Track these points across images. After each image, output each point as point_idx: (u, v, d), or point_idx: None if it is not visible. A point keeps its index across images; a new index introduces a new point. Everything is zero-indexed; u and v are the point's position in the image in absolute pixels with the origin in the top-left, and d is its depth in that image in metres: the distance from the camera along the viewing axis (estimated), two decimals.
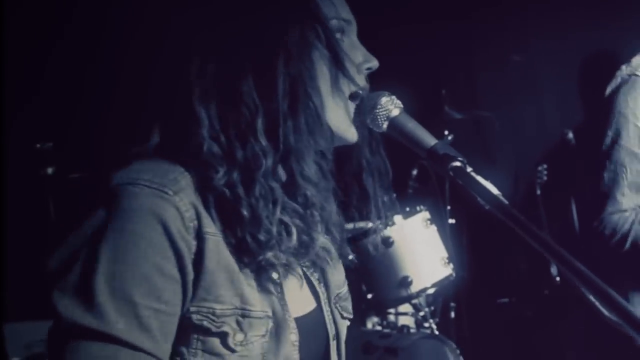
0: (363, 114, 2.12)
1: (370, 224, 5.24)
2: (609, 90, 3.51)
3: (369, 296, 5.63)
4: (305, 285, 2.20)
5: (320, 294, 2.24)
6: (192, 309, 1.87)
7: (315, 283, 2.23)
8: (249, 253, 1.92)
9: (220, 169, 1.89)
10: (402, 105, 2.11)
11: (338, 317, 2.30)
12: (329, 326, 2.24)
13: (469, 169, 1.91)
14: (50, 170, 5.46)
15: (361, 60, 2.12)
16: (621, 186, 3.41)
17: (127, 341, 1.76)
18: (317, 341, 2.22)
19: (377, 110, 2.09)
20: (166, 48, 1.98)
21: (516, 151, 8.79)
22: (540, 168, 8.05)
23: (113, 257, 1.77)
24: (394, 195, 6.26)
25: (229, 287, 1.90)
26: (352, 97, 2.09)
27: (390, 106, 2.09)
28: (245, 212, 1.89)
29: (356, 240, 5.54)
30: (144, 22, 2.04)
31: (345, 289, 2.38)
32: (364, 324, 5.99)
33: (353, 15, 2.16)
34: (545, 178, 8.05)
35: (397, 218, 5.64)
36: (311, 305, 2.21)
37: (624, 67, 3.54)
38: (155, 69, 2.00)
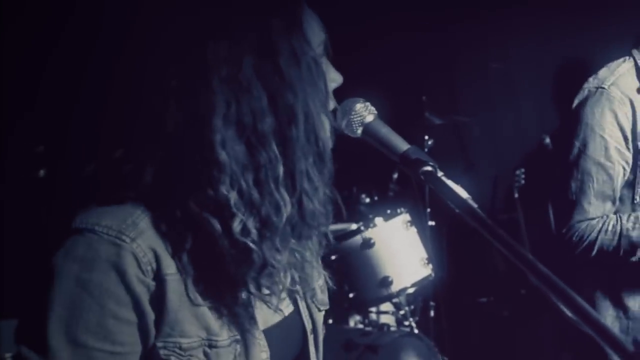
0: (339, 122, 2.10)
1: (352, 226, 5.29)
2: (576, 102, 3.53)
3: (351, 295, 5.64)
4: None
5: (298, 297, 2.24)
6: (159, 344, 1.87)
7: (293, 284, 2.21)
8: (235, 293, 1.94)
9: (239, 216, 1.84)
10: (376, 112, 2.11)
11: (315, 311, 2.31)
12: (306, 323, 2.25)
13: (439, 174, 1.92)
14: (42, 173, 5.48)
15: (334, 77, 2.10)
16: (588, 195, 3.43)
17: None
18: (292, 340, 2.23)
19: (352, 117, 2.09)
20: (188, 95, 1.86)
21: (495, 155, 8.79)
22: (518, 172, 8.04)
23: (68, 304, 1.77)
24: (367, 200, 6.27)
25: (193, 322, 1.90)
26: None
27: (365, 112, 2.09)
28: (256, 258, 1.88)
29: (339, 241, 5.57)
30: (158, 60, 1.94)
31: (321, 282, 2.37)
32: (347, 323, 5.98)
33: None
34: (523, 182, 8.04)
35: (378, 220, 5.67)
36: (288, 308, 2.20)
37: (591, 79, 3.55)
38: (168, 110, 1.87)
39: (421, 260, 5.76)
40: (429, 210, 7.05)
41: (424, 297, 6.81)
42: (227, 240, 1.85)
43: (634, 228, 3.37)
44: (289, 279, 2.01)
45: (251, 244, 1.85)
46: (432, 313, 6.93)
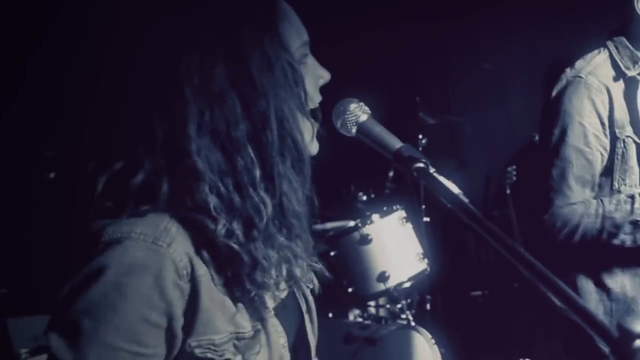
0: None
1: (350, 223, 5.29)
2: (555, 91, 3.54)
3: (350, 290, 5.63)
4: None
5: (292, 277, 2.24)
6: (193, 343, 1.87)
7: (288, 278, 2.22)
8: (245, 291, 1.92)
9: (221, 220, 1.86)
10: (369, 111, 2.12)
11: (306, 290, 2.33)
12: (301, 303, 2.28)
13: (431, 170, 1.92)
14: (52, 176, 5.50)
15: (318, 77, 2.10)
16: (568, 181, 3.43)
17: None
18: (294, 321, 2.25)
19: (347, 116, 2.10)
20: (164, 108, 1.87)
21: (487, 153, 8.82)
22: (509, 169, 8.07)
23: (102, 305, 1.76)
24: (364, 198, 6.26)
25: (222, 318, 1.90)
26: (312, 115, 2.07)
27: (359, 112, 2.10)
28: (246, 258, 1.89)
29: (337, 237, 5.58)
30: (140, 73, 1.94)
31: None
32: (346, 316, 5.98)
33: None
34: (514, 178, 8.07)
35: (375, 217, 5.65)
36: (285, 290, 2.21)
37: (568, 70, 3.56)
38: (154, 126, 1.88)
39: (417, 255, 5.75)
40: (424, 206, 7.05)
41: (420, 291, 6.80)
42: (217, 242, 1.86)
43: (616, 210, 3.37)
44: (284, 273, 2.01)
45: (236, 246, 1.87)
46: (428, 306, 6.94)
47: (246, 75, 1.87)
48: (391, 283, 5.52)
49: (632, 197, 3.40)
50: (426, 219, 7.07)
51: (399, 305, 5.93)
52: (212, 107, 1.85)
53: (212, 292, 1.88)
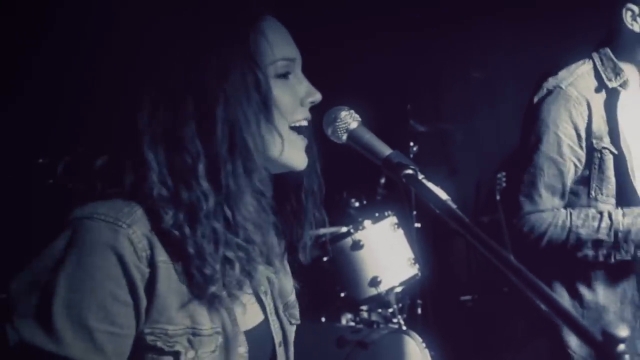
0: (309, 140, 2.16)
1: (342, 228, 5.30)
2: (535, 99, 3.56)
3: (342, 295, 5.64)
4: (253, 299, 2.23)
5: (267, 306, 2.26)
6: (147, 330, 1.90)
7: (263, 296, 2.25)
8: (197, 286, 1.94)
9: (168, 210, 1.91)
10: (360, 119, 2.13)
11: (286, 324, 2.34)
12: (274, 334, 2.27)
13: (420, 176, 1.94)
14: (51, 182, 5.52)
15: (303, 95, 2.12)
16: (538, 188, 3.46)
17: None
18: (265, 349, 2.25)
19: (337, 124, 2.11)
20: (122, 99, 1.99)
21: (477, 160, 8.82)
22: (499, 175, 8.06)
23: (71, 286, 1.80)
24: (357, 204, 6.28)
25: (179, 309, 1.93)
26: (294, 129, 2.11)
27: (349, 119, 2.11)
28: (191, 250, 1.92)
29: (330, 243, 5.58)
30: (104, 69, 2.05)
31: (293, 297, 2.42)
32: (338, 320, 5.98)
33: (299, 51, 2.16)
34: (504, 184, 8.07)
35: (367, 222, 5.68)
36: (259, 317, 2.23)
37: (550, 79, 3.57)
38: (114, 116, 2.01)
39: (408, 260, 5.77)
40: (415, 212, 7.06)
41: (411, 295, 6.81)
42: (168, 231, 1.91)
43: (583, 225, 3.38)
44: (236, 271, 2.00)
45: (181, 235, 1.91)
46: (419, 310, 6.94)
47: (200, 77, 1.95)
48: (383, 288, 5.54)
49: (601, 214, 3.41)
50: (417, 224, 7.08)
51: (390, 310, 5.95)
52: (165, 104, 1.93)
53: (171, 281, 1.92)
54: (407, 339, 5.11)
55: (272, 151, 2.06)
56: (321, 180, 2.31)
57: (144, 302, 1.88)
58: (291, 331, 2.38)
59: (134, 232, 1.86)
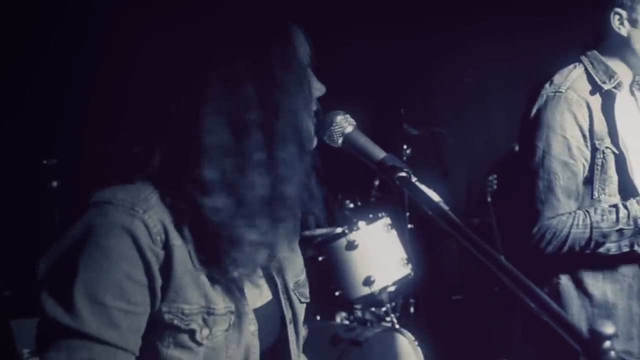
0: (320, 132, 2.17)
1: (337, 229, 5.31)
2: (536, 107, 3.51)
3: (337, 293, 5.65)
4: (264, 279, 2.28)
5: (278, 284, 2.31)
6: (164, 309, 1.96)
7: (275, 274, 2.31)
8: (221, 269, 1.99)
9: (213, 195, 1.94)
10: (355, 123, 2.14)
11: (296, 302, 2.38)
12: (285, 312, 2.32)
13: (413, 179, 1.95)
14: (55, 184, 5.52)
15: (318, 87, 2.19)
16: (556, 192, 3.42)
17: (99, 337, 1.86)
18: (274, 326, 2.31)
19: (333, 127, 2.13)
20: (181, 84, 2.01)
21: (469, 163, 8.83)
22: (490, 178, 8.08)
23: (89, 266, 1.86)
24: (351, 206, 6.28)
25: (195, 290, 1.98)
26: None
27: (345, 123, 2.13)
28: (225, 234, 1.96)
29: (325, 243, 5.59)
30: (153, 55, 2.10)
31: (303, 277, 2.46)
32: (333, 319, 5.99)
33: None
34: (495, 187, 8.08)
35: (361, 224, 5.69)
36: (269, 295, 2.28)
37: (547, 85, 3.54)
38: (170, 102, 2.02)
39: (401, 260, 5.78)
40: (408, 214, 7.08)
41: (404, 294, 6.82)
42: (202, 216, 1.95)
43: (602, 219, 3.37)
44: (261, 257, 2.05)
45: (219, 221, 1.95)
46: (412, 309, 6.96)
47: (266, 69, 2.00)
48: (376, 287, 5.55)
49: (615, 206, 3.41)
50: (410, 225, 7.10)
51: (383, 309, 5.94)
52: (231, 92, 1.97)
53: (186, 263, 1.97)
54: (399, 337, 5.12)
55: None
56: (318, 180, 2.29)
57: (159, 282, 1.94)
58: (301, 309, 2.42)
59: (149, 217, 1.92)
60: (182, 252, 1.96)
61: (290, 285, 2.36)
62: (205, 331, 2.00)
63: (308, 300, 2.46)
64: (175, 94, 1.99)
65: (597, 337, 1.25)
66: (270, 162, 1.98)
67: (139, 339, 1.95)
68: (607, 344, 1.24)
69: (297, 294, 2.39)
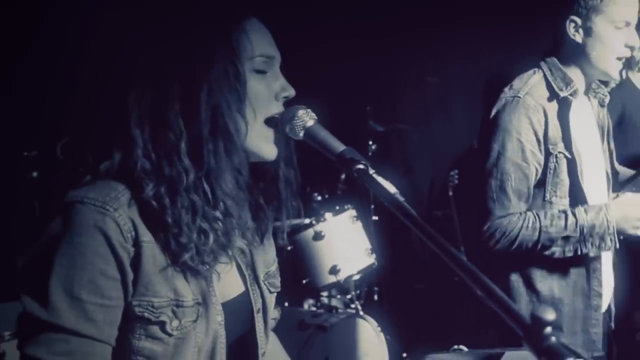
0: (281, 133, 2.17)
1: (305, 220, 5.31)
2: (495, 110, 3.52)
3: (304, 282, 5.66)
4: (234, 269, 2.29)
5: (247, 276, 2.31)
6: (134, 302, 1.98)
7: (243, 267, 2.31)
8: (173, 254, 2.00)
9: (150, 182, 1.98)
10: (316, 117, 2.13)
11: (266, 292, 2.39)
12: (253, 302, 2.32)
13: (371, 171, 1.95)
14: (35, 174, 5.50)
15: (278, 90, 2.18)
16: (507, 193, 3.43)
17: (76, 330, 1.90)
18: (245, 316, 2.31)
19: (295, 121, 2.12)
20: (114, 81, 2.08)
21: (431, 159, 8.86)
22: (452, 173, 8.13)
23: (64, 263, 1.89)
24: (319, 198, 6.26)
25: (164, 284, 2.00)
26: (268, 121, 2.16)
27: (306, 117, 2.12)
28: (169, 220, 1.98)
29: (293, 233, 5.59)
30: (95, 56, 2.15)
31: (274, 267, 2.49)
32: (301, 305, 6.00)
33: (279, 51, 2.22)
34: (456, 181, 8.12)
35: (328, 215, 5.72)
36: (241, 287, 2.30)
37: (507, 89, 3.55)
38: (105, 99, 2.09)
39: (366, 250, 5.80)
40: (372, 206, 7.09)
41: (368, 283, 6.85)
42: (148, 202, 1.98)
43: (551, 225, 3.39)
44: (210, 242, 2.05)
45: (160, 207, 1.98)
46: (375, 297, 6.97)
47: (187, 65, 2.03)
48: (342, 275, 5.57)
49: (565, 213, 3.42)
50: (375, 217, 7.12)
51: (348, 296, 5.98)
52: (153, 87, 2.02)
53: (155, 258, 1.99)
54: (363, 323, 5.14)
55: (247, 137, 2.10)
56: (297, 172, 2.37)
57: (130, 277, 1.96)
58: (271, 298, 2.43)
59: (119, 215, 1.93)
60: (151, 247, 1.99)
61: (261, 276, 2.37)
62: (175, 322, 2.02)
63: (278, 290, 2.48)
64: (107, 91, 2.07)
65: (538, 322, 1.24)
66: (196, 153, 2.01)
67: (115, 330, 1.98)
68: (548, 329, 1.24)
69: (267, 284, 2.41)
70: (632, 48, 3.49)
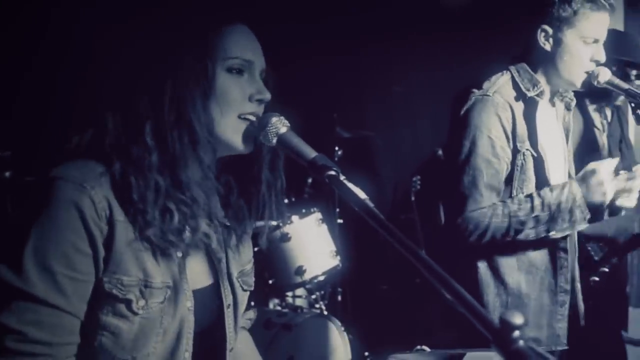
0: (257, 132, 2.19)
1: (272, 222, 5.30)
2: (464, 108, 3.53)
3: (270, 282, 5.67)
4: (205, 260, 2.31)
5: (219, 271, 2.32)
6: (105, 279, 2.01)
7: (216, 262, 2.32)
8: (139, 229, 2.04)
9: (117, 161, 2.04)
10: (289, 124, 2.16)
11: (239, 289, 2.40)
12: (224, 297, 2.33)
13: (342, 177, 1.95)
14: (7, 174, 5.45)
15: (253, 92, 2.20)
16: (479, 187, 3.44)
17: (46, 300, 1.94)
18: (212, 308, 2.32)
19: (268, 128, 2.14)
20: (89, 71, 2.12)
21: (395, 164, 8.88)
22: (414, 179, 8.14)
23: (39, 235, 1.93)
24: (286, 201, 6.27)
25: (134, 263, 2.04)
26: (242, 117, 2.19)
27: (279, 125, 2.14)
28: (134, 196, 2.03)
29: (260, 235, 5.58)
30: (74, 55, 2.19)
31: (249, 266, 2.51)
32: (266, 305, 5.98)
33: (261, 56, 2.28)
34: (419, 187, 8.14)
35: (295, 217, 5.72)
36: (207, 280, 2.31)
37: (475, 90, 3.57)
38: (82, 84, 2.21)
39: (331, 252, 5.81)
40: (338, 210, 7.09)
41: (332, 283, 6.83)
42: (117, 179, 2.05)
43: (519, 209, 3.40)
44: (175, 221, 2.09)
45: (128, 183, 2.04)
46: (339, 297, 6.95)
47: (155, 58, 2.12)
48: (307, 276, 5.59)
49: (530, 196, 3.44)
50: (340, 220, 7.11)
51: (313, 296, 5.99)
52: (125, 73, 2.14)
53: (128, 237, 2.03)
54: (327, 322, 5.14)
55: (217, 131, 2.15)
56: (283, 177, 2.41)
57: (102, 254, 2.00)
58: (243, 296, 2.45)
59: (96, 193, 1.98)
60: (125, 227, 2.03)
61: (235, 273, 2.38)
62: (141, 302, 2.05)
63: (251, 289, 2.50)
64: (82, 76, 2.20)
65: (507, 326, 1.24)
66: (159, 136, 2.07)
67: (84, 305, 2.02)
68: (517, 333, 1.24)
69: (241, 282, 2.42)
70: (597, 62, 3.53)
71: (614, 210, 3.60)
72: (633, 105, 3.50)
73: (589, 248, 4.36)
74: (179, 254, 2.15)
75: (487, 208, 3.44)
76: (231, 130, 2.17)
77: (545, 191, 3.44)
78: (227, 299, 2.34)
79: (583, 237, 4.19)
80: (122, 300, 2.03)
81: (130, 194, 2.03)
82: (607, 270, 4.36)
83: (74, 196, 1.95)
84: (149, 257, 2.07)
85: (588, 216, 3.46)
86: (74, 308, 1.98)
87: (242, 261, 2.45)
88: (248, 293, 2.49)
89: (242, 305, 2.45)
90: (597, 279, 4.35)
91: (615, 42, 4.03)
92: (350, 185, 1.91)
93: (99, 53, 2.16)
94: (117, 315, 2.04)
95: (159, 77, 2.09)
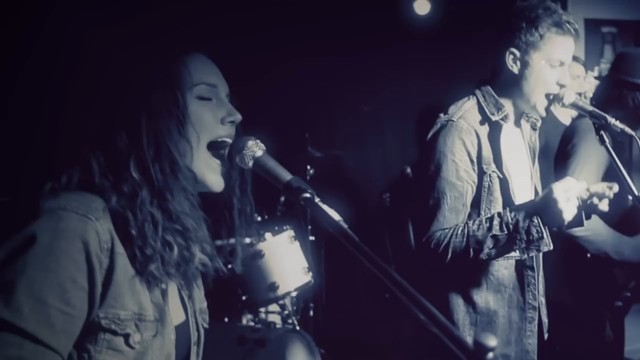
0: (232, 160, 2.18)
1: (246, 240, 5.26)
2: (431, 133, 3.55)
3: (244, 298, 5.65)
4: (178, 300, 2.26)
5: (189, 308, 2.29)
6: (101, 314, 1.92)
7: (185, 298, 2.28)
8: (139, 265, 1.97)
9: (113, 198, 1.96)
10: (265, 148, 2.14)
11: (201, 327, 2.36)
12: (192, 334, 2.30)
13: (316, 200, 1.94)
14: None
15: (224, 115, 2.18)
16: (443, 209, 3.45)
17: (34, 335, 1.80)
18: (184, 345, 2.27)
19: (245, 151, 2.13)
20: (66, 110, 2.10)
21: (365, 182, 8.91)
22: (384, 196, 8.16)
23: (37, 265, 1.82)
24: (259, 219, 6.26)
25: (130, 296, 1.97)
26: (215, 146, 2.18)
27: (255, 148, 2.13)
28: (133, 232, 1.96)
29: (234, 252, 5.55)
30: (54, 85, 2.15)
31: (204, 304, 2.44)
32: (240, 320, 5.95)
33: (223, 79, 2.25)
34: (388, 204, 8.14)
35: (268, 235, 5.71)
36: (182, 316, 2.26)
37: (442, 115, 3.59)
38: (62, 122, 2.10)
39: (303, 269, 5.79)
40: (309, 227, 7.08)
41: (304, 299, 6.81)
42: (115, 214, 1.98)
43: (478, 229, 3.39)
44: (175, 253, 2.05)
45: (125, 218, 1.98)
46: (311, 313, 6.94)
47: (128, 94, 2.06)
48: (280, 292, 5.57)
49: (491, 216, 3.44)
50: (311, 237, 7.10)
51: (286, 312, 5.95)
52: (99, 116, 2.05)
53: (126, 271, 1.95)
54: (299, 337, 5.11)
55: (192, 162, 2.12)
56: (252, 202, 2.38)
57: (99, 289, 1.91)
58: (203, 334, 2.39)
59: (100, 225, 1.91)
60: (124, 260, 1.96)
61: (197, 310, 2.35)
62: (137, 336, 1.98)
63: (207, 327, 2.44)
64: (63, 122, 2.09)
65: (481, 348, 1.24)
66: (143, 169, 2.02)
67: (70, 343, 1.90)
68: (490, 355, 1.24)
69: (201, 319, 2.38)
70: (562, 86, 3.55)
71: (588, 213, 3.57)
72: (597, 126, 3.50)
73: (614, 273, 4.33)
74: (164, 286, 2.11)
75: (449, 229, 3.45)
76: (207, 166, 2.16)
77: (506, 211, 3.44)
78: (194, 336, 2.31)
79: (609, 263, 4.17)
80: (121, 334, 1.95)
81: (128, 229, 1.96)
82: (629, 295, 4.34)
83: (79, 227, 1.87)
84: (144, 290, 2.01)
85: (549, 243, 3.44)
86: (60, 345, 1.86)
87: (200, 299, 2.40)
88: (204, 331, 2.42)
89: (203, 343, 2.40)
90: (620, 303, 4.33)
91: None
92: (325, 207, 1.90)
93: (74, 92, 2.11)
94: (113, 350, 1.96)
95: (132, 112, 2.05)
